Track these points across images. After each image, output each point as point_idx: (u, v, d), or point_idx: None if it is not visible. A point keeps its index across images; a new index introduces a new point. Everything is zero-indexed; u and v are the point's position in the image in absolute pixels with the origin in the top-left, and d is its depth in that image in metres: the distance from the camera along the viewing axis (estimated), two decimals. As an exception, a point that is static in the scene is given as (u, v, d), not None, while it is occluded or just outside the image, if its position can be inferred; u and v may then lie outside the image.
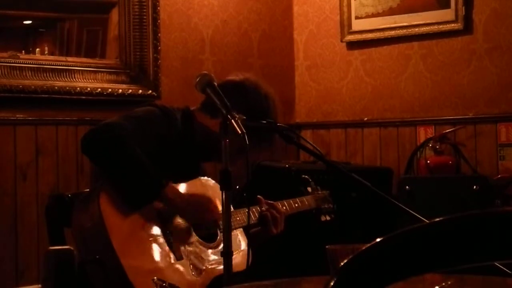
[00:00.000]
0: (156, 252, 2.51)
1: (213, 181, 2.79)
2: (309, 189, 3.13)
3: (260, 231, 2.81)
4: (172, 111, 2.76)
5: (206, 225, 2.67)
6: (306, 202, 3.04)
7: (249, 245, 2.64)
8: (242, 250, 2.73)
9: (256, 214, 2.80)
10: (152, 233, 2.54)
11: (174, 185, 2.61)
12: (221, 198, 2.76)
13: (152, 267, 2.46)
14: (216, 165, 3.88)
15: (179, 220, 2.64)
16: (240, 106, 2.44)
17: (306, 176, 3.21)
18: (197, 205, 2.62)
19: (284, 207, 2.90)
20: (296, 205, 2.97)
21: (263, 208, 2.81)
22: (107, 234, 2.43)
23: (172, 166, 2.70)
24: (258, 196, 2.86)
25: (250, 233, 2.71)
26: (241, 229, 2.77)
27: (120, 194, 2.51)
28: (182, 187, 2.67)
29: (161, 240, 2.54)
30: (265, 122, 2.77)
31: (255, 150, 2.56)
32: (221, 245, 2.63)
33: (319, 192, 3.14)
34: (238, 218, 2.70)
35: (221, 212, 2.64)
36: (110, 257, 2.41)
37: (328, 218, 3.12)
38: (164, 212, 2.59)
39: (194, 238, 2.66)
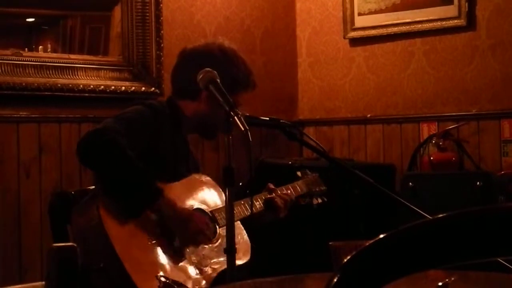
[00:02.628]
0: (159, 253, 2.51)
1: (208, 178, 2.80)
2: (299, 173, 3.11)
3: (265, 215, 2.85)
4: (160, 107, 2.76)
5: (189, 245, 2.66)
6: (298, 188, 3.04)
7: (253, 227, 2.65)
8: (241, 243, 2.74)
9: (260, 202, 2.83)
10: (153, 235, 2.54)
11: (168, 186, 2.60)
12: (218, 194, 2.78)
13: (156, 269, 2.46)
14: (219, 161, 3.89)
15: None
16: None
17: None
18: (186, 225, 2.60)
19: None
20: (289, 191, 2.98)
21: (271, 195, 2.85)
22: (110, 240, 2.43)
23: (166, 162, 2.70)
24: (270, 184, 2.89)
25: (255, 215, 2.74)
26: (239, 221, 2.77)
27: (117, 201, 2.51)
28: (177, 189, 2.66)
29: (162, 241, 2.54)
30: (268, 118, 2.77)
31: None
32: (219, 240, 2.64)
33: (309, 176, 3.13)
34: (235, 211, 2.69)
35: (208, 234, 2.65)
36: (114, 264, 2.41)
37: (320, 201, 3.10)
38: (163, 210, 2.59)
39: None
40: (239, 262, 2.50)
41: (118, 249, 2.42)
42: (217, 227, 2.69)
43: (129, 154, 2.50)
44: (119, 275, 2.40)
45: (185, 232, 2.60)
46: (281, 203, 2.86)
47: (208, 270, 2.59)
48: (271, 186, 2.91)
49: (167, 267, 2.50)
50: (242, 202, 2.75)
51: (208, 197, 2.76)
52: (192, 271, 2.55)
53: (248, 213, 2.71)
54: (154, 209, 2.53)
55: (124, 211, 2.49)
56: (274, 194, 2.86)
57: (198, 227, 2.61)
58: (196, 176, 2.80)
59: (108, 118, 2.63)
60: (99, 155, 2.51)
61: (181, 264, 2.54)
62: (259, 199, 2.85)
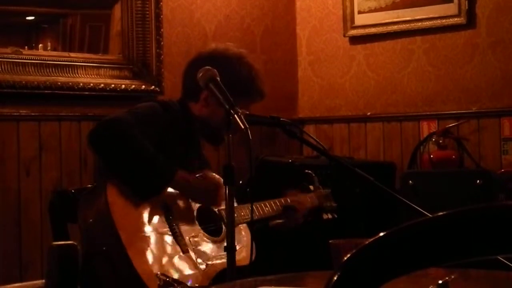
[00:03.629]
0: (163, 245, 2.53)
1: (218, 176, 2.81)
2: (311, 187, 3.14)
3: (283, 221, 2.87)
4: (171, 105, 2.79)
5: (213, 206, 2.71)
6: (309, 200, 3.06)
7: (252, 240, 2.65)
8: (246, 244, 2.74)
9: (279, 206, 2.88)
10: (159, 226, 2.56)
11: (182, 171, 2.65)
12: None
13: (159, 260, 2.48)
14: (219, 159, 3.89)
15: (185, 214, 2.66)
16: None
17: (310, 171, 3.22)
18: (205, 189, 2.66)
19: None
20: (308, 199, 3.01)
21: (289, 200, 2.88)
22: (115, 227, 2.45)
23: (176, 159, 2.71)
24: (290, 189, 2.97)
25: (271, 226, 2.78)
26: (245, 224, 2.78)
27: (130, 187, 2.53)
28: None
29: (167, 233, 2.56)
30: (268, 117, 2.77)
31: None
32: (225, 239, 2.65)
33: (321, 190, 3.15)
34: (242, 213, 2.71)
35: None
36: (118, 250, 2.43)
37: (330, 216, 3.13)
38: (169, 203, 2.61)
39: (200, 231, 2.67)
40: (242, 263, 2.51)
41: (123, 236, 2.44)
42: (223, 225, 2.70)
43: (139, 138, 2.53)
44: (122, 261, 2.42)
45: (204, 196, 2.67)
46: (299, 207, 2.90)
47: (212, 264, 2.61)
48: (291, 191, 2.96)
49: (170, 257, 2.51)
50: (248, 206, 2.75)
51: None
52: (195, 264, 2.56)
53: (256, 216, 2.73)
54: (173, 183, 2.56)
55: (140, 195, 2.51)
56: (290, 200, 2.90)
57: (213, 185, 2.68)
58: (207, 171, 2.81)
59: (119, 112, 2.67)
60: (111, 143, 2.54)
61: (184, 256, 2.55)
62: (272, 203, 2.89)
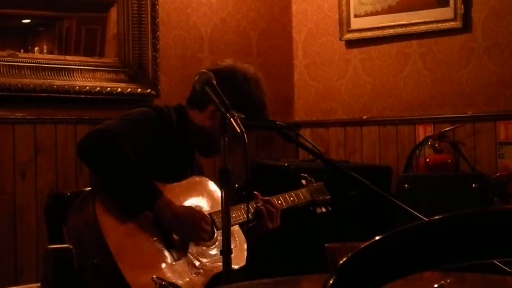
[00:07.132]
0: (154, 253, 2.51)
1: (209, 180, 2.79)
2: (304, 181, 3.10)
3: (255, 226, 2.81)
4: (166, 111, 2.76)
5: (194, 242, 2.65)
6: (301, 196, 3.03)
7: (248, 241, 2.64)
8: (239, 247, 2.73)
9: (252, 210, 2.80)
10: (149, 234, 2.54)
11: (168, 187, 2.60)
12: (218, 197, 2.77)
13: (150, 268, 2.46)
14: (215, 163, 3.88)
15: None
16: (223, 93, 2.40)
17: (305, 175, 3.21)
18: (186, 223, 2.59)
19: (280, 202, 2.90)
20: (292, 199, 2.96)
21: (259, 204, 2.81)
22: (104, 237, 2.43)
23: (169, 166, 2.70)
24: (255, 192, 2.86)
25: (247, 229, 2.72)
26: (237, 225, 2.77)
27: (115, 200, 2.52)
28: (176, 190, 2.66)
29: (158, 241, 2.54)
30: (264, 121, 2.77)
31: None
32: (217, 243, 2.64)
33: (314, 184, 3.12)
34: (233, 215, 2.69)
35: (211, 227, 2.64)
36: (107, 261, 2.41)
37: (324, 210, 3.09)
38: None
39: None
40: (235, 266, 2.49)
41: (112, 247, 2.42)
42: (215, 230, 2.68)
43: (129, 155, 2.50)
44: (112, 273, 2.41)
45: (184, 230, 2.60)
46: (267, 213, 2.80)
47: (206, 270, 2.59)
48: (257, 194, 2.87)
49: (162, 266, 2.50)
50: (243, 207, 2.74)
51: (207, 199, 2.76)
52: (188, 271, 2.55)
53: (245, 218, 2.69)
54: (153, 210, 2.53)
55: (123, 211, 2.50)
56: (259, 204, 2.82)
57: (196, 223, 2.60)
58: (197, 178, 2.79)
59: (112, 119, 2.65)
60: (98, 155, 2.52)
61: (176, 264, 2.54)
62: (251, 207, 2.82)
